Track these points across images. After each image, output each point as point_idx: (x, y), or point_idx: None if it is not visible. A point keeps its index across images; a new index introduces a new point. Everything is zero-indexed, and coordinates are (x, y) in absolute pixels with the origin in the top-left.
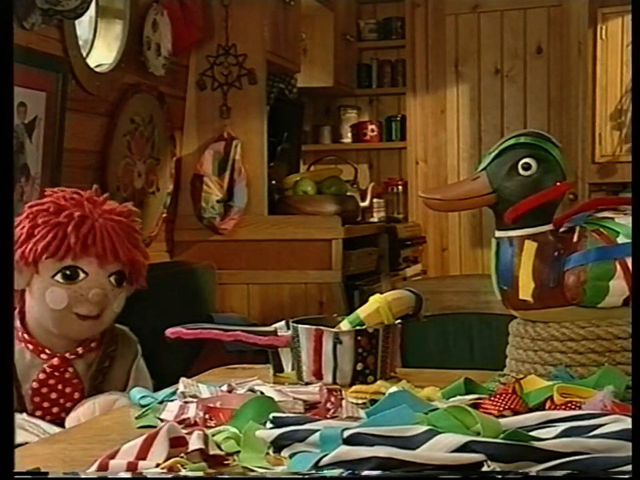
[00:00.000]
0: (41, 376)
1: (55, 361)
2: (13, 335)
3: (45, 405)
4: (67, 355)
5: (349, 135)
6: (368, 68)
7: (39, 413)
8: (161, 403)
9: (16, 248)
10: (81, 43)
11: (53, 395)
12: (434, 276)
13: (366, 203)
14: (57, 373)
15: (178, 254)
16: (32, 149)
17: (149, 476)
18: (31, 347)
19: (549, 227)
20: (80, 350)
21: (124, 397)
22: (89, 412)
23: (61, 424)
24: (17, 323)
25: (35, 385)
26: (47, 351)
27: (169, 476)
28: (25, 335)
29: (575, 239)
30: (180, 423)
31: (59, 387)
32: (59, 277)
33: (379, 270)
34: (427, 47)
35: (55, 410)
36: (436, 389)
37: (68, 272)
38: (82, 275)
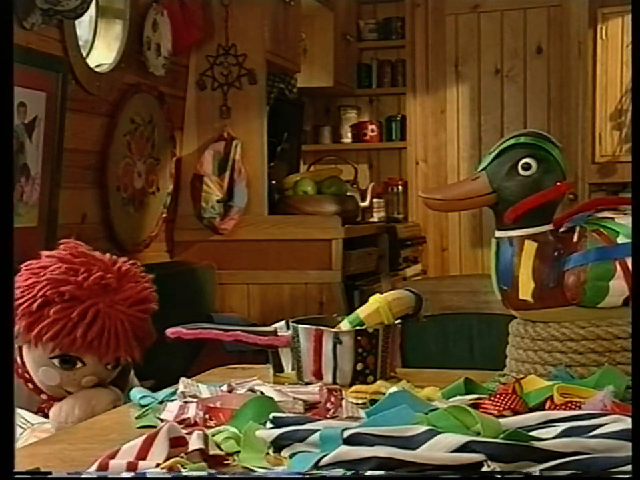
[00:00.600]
0: (39, 415)
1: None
2: (14, 334)
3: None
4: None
5: (349, 134)
6: (368, 68)
7: None
8: (161, 403)
9: (22, 312)
10: (81, 43)
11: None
12: (434, 276)
13: (366, 203)
14: None
15: (178, 254)
16: (32, 148)
17: (149, 476)
18: (30, 385)
19: (549, 226)
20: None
21: (107, 390)
22: (70, 402)
23: (45, 415)
24: (19, 360)
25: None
26: (48, 393)
27: (169, 476)
28: (26, 375)
29: (575, 239)
30: (180, 422)
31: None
32: (56, 361)
33: (379, 270)
34: (426, 47)
35: None
36: (436, 389)
37: (66, 358)
38: (79, 365)
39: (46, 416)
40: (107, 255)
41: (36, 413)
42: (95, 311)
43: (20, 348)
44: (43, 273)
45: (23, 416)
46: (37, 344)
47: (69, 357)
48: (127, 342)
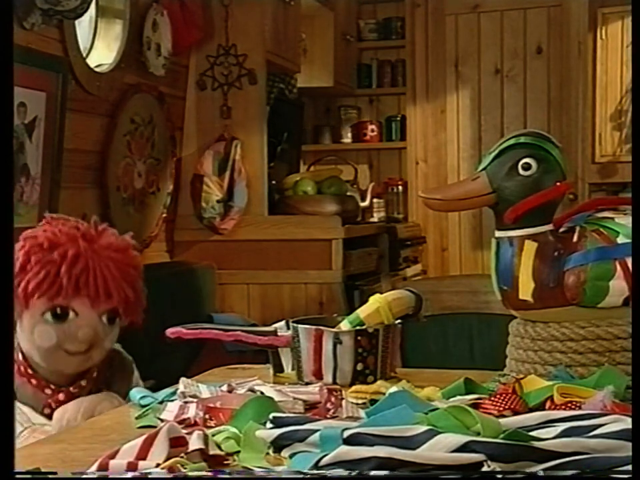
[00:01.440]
0: (46, 411)
1: (61, 396)
2: (14, 333)
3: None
4: (72, 389)
5: (349, 135)
6: (368, 68)
7: None
8: (161, 403)
9: None
10: (80, 43)
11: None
12: (434, 276)
13: (366, 203)
14: None
15: (178, 254)
16: (32, 148)
17: (149, 476)
18: (34, 381)
19: (549, 226)
20: (84, 383)
21: (111, 399)
22: (75, 407)
23: (49, 416)
24: (19, 357)
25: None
26: (52, 386)
27: (169, 476)
28: (29, 370)
29: (575, 239)
30: (180, 423)
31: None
32: (48, 316)
33: (379, 270)
34: (427, 47)
35: None
36: (436, 389)
37: (58, 311)
38: (72, 315)
39: (52, 412)
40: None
41: (42, 410)
42: (75, 251)
43: (18, 344)
44: (23, 245)
45: (25, 413)
46: (27, 303)
47: (59, 308)
48: (116, 285)
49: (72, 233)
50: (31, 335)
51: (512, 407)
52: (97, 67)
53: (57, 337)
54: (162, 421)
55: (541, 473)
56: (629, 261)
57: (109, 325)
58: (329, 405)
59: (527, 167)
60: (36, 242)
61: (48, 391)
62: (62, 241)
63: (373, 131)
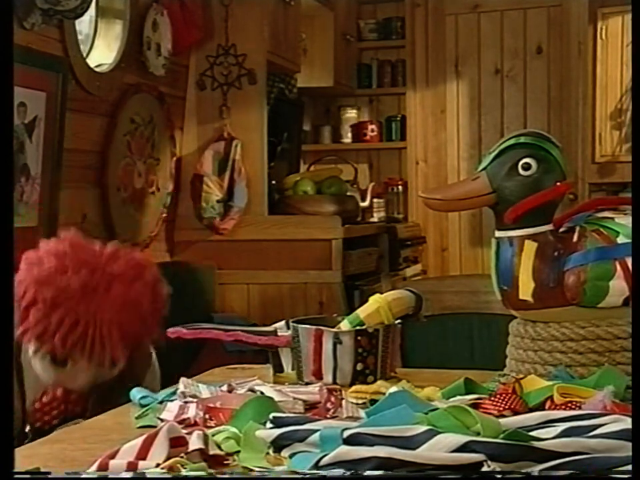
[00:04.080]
0: (45, 399)
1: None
2: (13, 336)
3: (46, 418)
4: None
5: (349, 135)
6: (368, 68)
7: (38, 424)
8: (161, 403)
9: (16, 306)
10: (81, 43)
11: (54, 412)
12: (434, 276)
13: (366, 203)
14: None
15: (178, 254)
16: (32, 149)
17: (148, 476)
18: None
19: (549, 226)
20: None
21: None
22: None
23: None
24: None
25: (37, 405)
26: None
27: (169, 476)
28: None
29: (575, 239)
30: (180, 423)
31: (62, 407)
32: (47, 357)
33: (379, 270)
34: (427, 47)
35: (54, 422)
36: (436, 389)
37: (56, 358)
38: (71, 363)
39: (52, 399)
40: (109, 247)
41: (41, 398)
42: (73, 319)
43: None
44: (35, 269)
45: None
46: (22, 342)
47: (57, 357)
48: (116, 349)
49: (79, 291)
50: (33, 359)
51: (512, 406)
52: (97, 66)
53: (55, 377)
54: (162, 420)
55: (537, 473)
56: (629, 261)
57: (110, 369)
58: (328, 405)
59: (527, 167)
60: (41, 293)
61: None
62: (65, 302)
63: (373, 131)
